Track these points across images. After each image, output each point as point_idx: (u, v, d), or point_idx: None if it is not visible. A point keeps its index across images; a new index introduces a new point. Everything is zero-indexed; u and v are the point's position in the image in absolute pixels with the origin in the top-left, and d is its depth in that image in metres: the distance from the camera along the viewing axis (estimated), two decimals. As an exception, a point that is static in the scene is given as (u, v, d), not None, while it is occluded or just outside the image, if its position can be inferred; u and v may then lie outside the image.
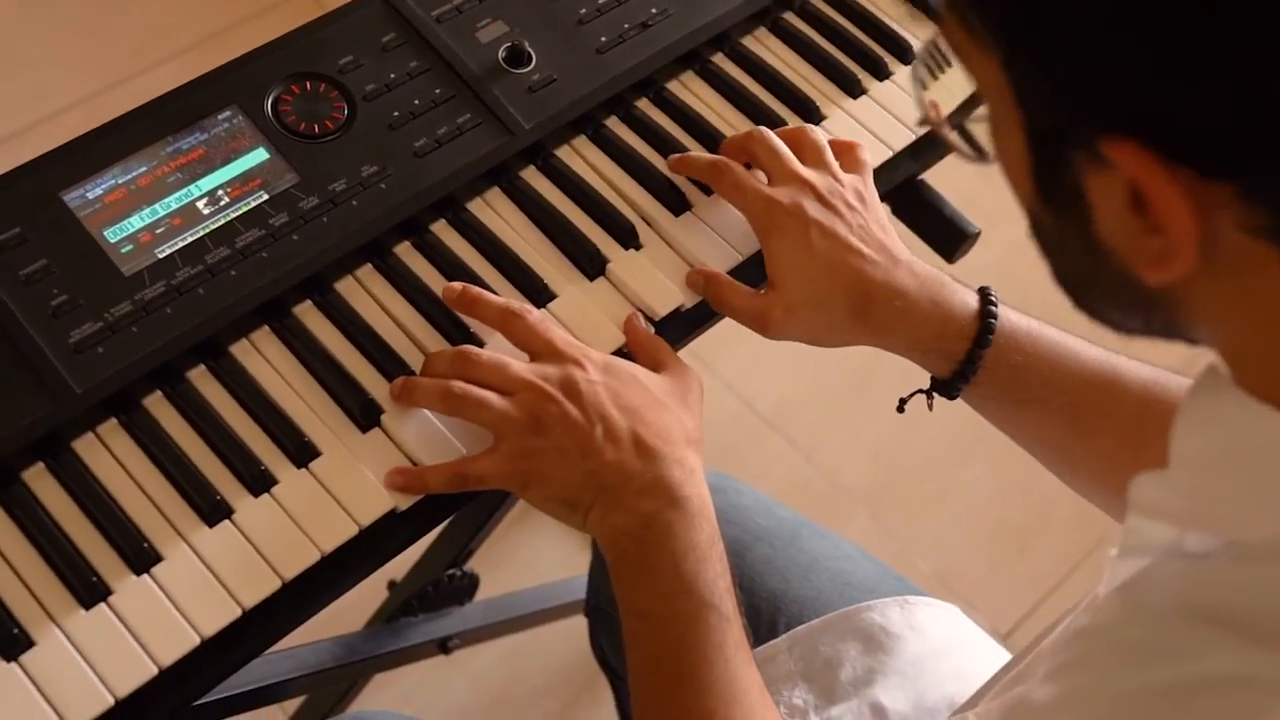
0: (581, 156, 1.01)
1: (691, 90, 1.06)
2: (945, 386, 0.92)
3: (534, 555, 1.79)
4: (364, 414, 0.86)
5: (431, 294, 0.92)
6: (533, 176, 0.99)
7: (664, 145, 1.01)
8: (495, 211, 0.97)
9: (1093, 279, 0.55)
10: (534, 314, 0.88)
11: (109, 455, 0.83)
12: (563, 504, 0.83)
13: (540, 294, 0.93)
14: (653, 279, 0.95)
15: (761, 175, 0.95)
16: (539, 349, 0.86)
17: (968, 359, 0.89)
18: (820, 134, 0.97)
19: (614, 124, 1.03)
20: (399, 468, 0.84)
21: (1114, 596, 0.56)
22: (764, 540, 1.08)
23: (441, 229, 0.96)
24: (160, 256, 0.88)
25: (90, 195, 0.90)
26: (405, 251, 0.94)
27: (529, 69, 1.00)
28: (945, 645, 1.00)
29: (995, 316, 0.89)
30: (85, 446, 0.83)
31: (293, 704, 1.49)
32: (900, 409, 0.97)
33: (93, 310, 0.85)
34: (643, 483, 0.81)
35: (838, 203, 0.91)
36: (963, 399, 0.92)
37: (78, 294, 0.86)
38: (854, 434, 2.00)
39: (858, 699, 0.95)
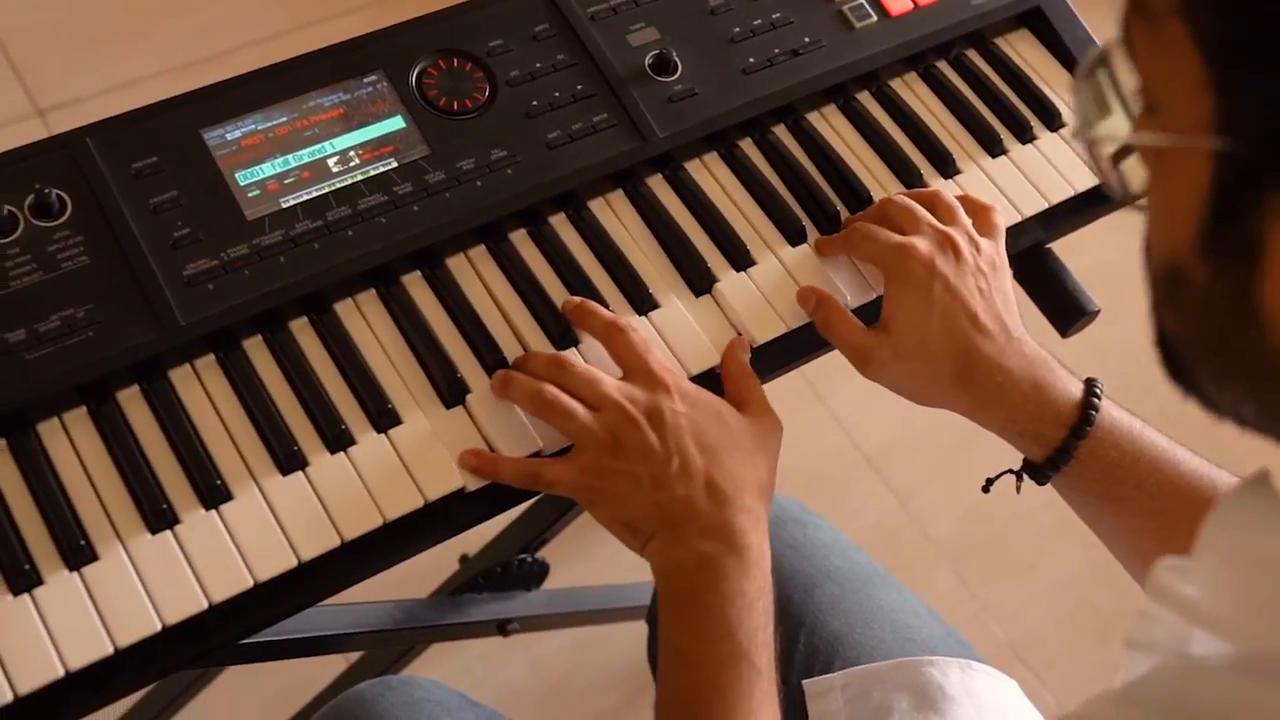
0: (710, 172, 1.01)
1: (831, 124, 1.05)
2: (1036, 471, 0.90)
3: (614, 554, 1.79)
4: (451, 391, 0.87)
5: (538, 284, 0.93)
6: (658, 185, 0.99)
7: (793, 174, 1.01)
8: (615, 213, 0.98)
9: (1218, 349, 0.50)
10: (638, 333, 0.88)
11: (202, 390, 0.86)
12: (625, 527, 0.84)
13: (644, 302, 0.93)
14: (758, 304, 0.94)
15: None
16: (634, 367, 0.86)
17: (1062, 447, 0.87)
18: (951, 196, 0.95)
19: (747, 145, 1.03)
20: (474, 450, 0.85)
21: (1110, 694, 0.54)
22: (834, 580, 1.07)
23: (559, 222, 0.96)
24: (284, 206, 0.91)
25: (229, 137, 0.92)
26: (520, 239, 0.95)
27: (673, 78, 1.00)
28: (999, 718, 0.99)
29: (1096, 409, 0.87)
30: (181, 378, 0.86)
31: (354, 655, 1.52)
32: (986, 489, 0.96)
33: (211, 248, 0.88)
34: (707, 523, 0.81)
35: (969, 263, 0.90)
36: (1052, 486, 0.91)
37: (200, 229, 0.88)
38: (953, 488, 1.97)
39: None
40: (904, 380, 0.91)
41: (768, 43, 1.03)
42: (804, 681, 1.01)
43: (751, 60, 1.03)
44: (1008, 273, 0.93)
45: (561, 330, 0.91)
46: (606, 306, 0.92)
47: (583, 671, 1.74)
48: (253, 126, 0.93)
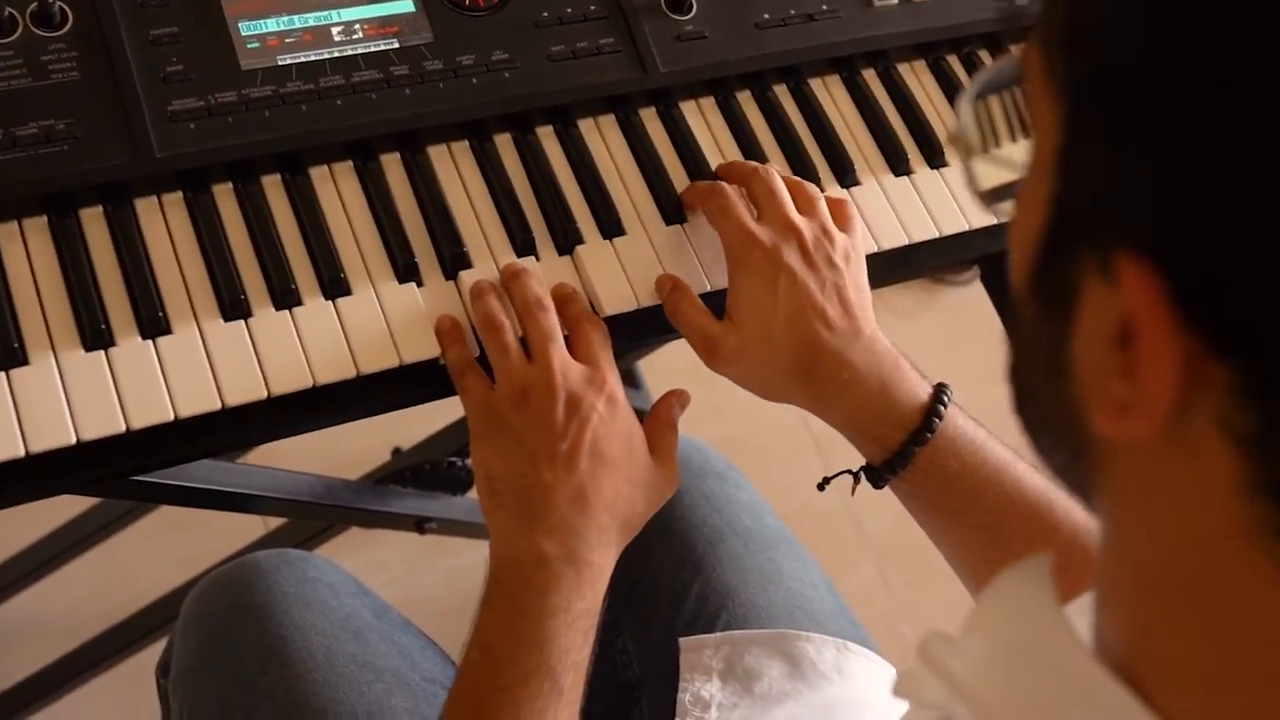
0: (703, 117, 1.02)
1: (831, 94, 1.06)
2: (874, 474, 0.89)
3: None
4: (406, 271, 0.89)
5: (512, 189, 0.94)
6: (650, 118, 1.00)
7: (785, 134, 1.02)
8: (602, 137, 0.99)
9: (1040, 394, 0.47)
10: (603, 332, 0.88)
11: (163, 223, 0.87)
12: (488, 479, 0.84)
13: (613, 226, 0.95)
14: (718, 250, 0.95)
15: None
16: (586, 358, 0.86)
17: (900, 451, 0.86)
18: (815, 188, 0.93)
19: (745, 99, 1.04)
20: (453, 318, 0.87)
21: None
22: (741, 538, 1.09)
23: (546, 134, 0.97)
24: (280, 63, 0.91)
25: (240, -15, 0.93)
26: (504, 143, 0.96)
27: (686, 18, 1.01)
28: (866, 699, 1.01)
29: (940, 416, 0.85)
30: (145, 208, 0.87)
31: (274, 526, 1.54)
32: (821, 487, 0.95)
33: (200, 88, 0.89)
34: (558, 523, 0.81)
35: (818, 257, 0.88)
36: (891, 491, 0.90)
37: (192, 69, 0.89)
38: (896, 487, 1.99)
39: (762, 711, 0.96)
40: (748, 373, 0.89)
41: (785, 2, 1.04)
42: (681, 639, 1.02)
43: (766, 16, 1.03)
44: (863, 268, 0.91)
45: (524, 238, 0.92)
46: (574, 223, 0.93)
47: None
48: (265, -20, 0.94)
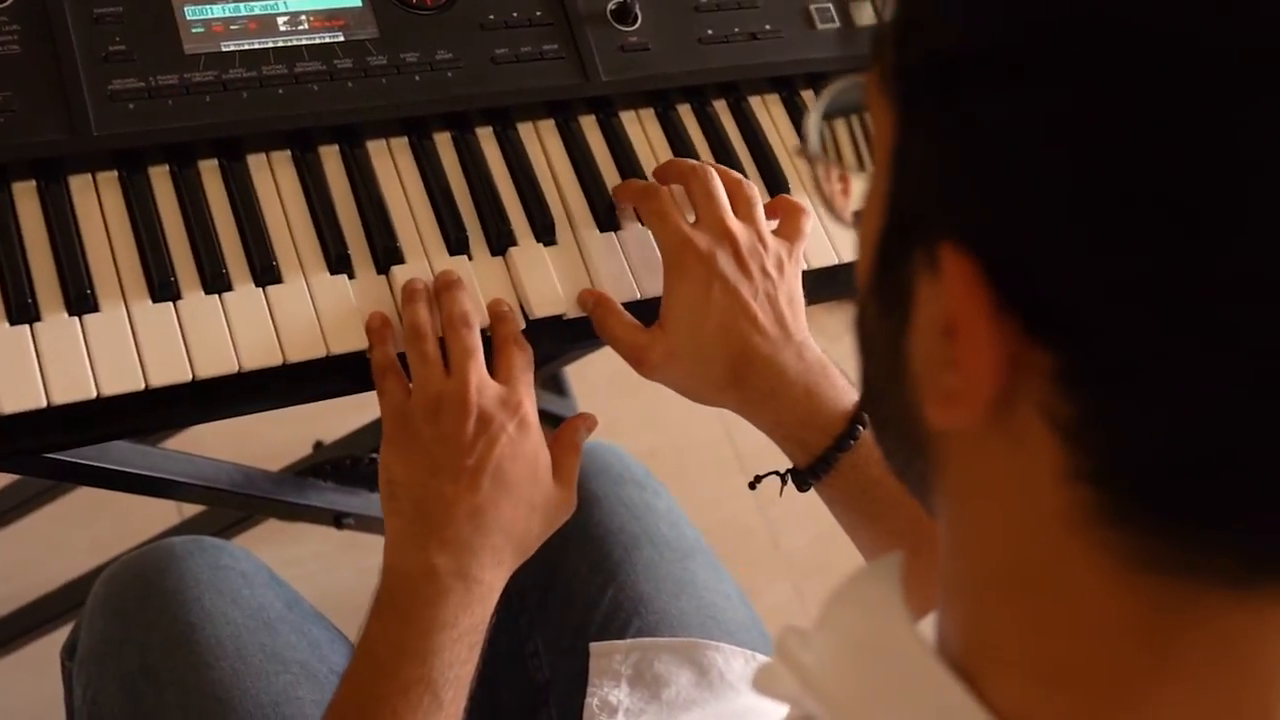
0: (642, 127, 1.03)
1: (770, 112, 1.08)
2: (799, 477, 0.91)
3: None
4: (338, 263, 0.89)
5: (449, 188, 0.95)
6: (589, 126, 1.01)
7: (722, 148, 1.04)
8: (540, 141, 1.00)
9: (883, 395, 0.47)
10: (528, 355, 0.89)
11: (96, 202, 0.87)
12: (390, 483, 0.85)
13: (545, 232, 0.95)
14: (653, 258, 0.96)
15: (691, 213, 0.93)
16: (505, 378, 0.87)
17: (824, 456, 0.88)
18: (755, 190, 0.94)
19: (685, 111, 1.05)
20: (383, 315, 0.88)
21: None
22: (657, 546, 1.10)
23: (485, 135, 0.98)
24: (223, 49, 0.92)
25: (188, -31, 0.93)
26: (443, 141, 0.97)
27: (630, 29, 1.02)
28: (772, 710, 1.02)
29: (864, 424, 0.87)
30: (79, 185, 0.87)
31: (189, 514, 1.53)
32: (752, 486, 0.96)
33: (141, 70, 0.89)
34: (452, 537, 0.82)
35: (753, 264, 0.89)
36: (816, 494, 0.92)
37: (135, 50, 0.89)
38: (817, 506, 2.01)
39: (669, 718, 0.97)
40: (680, 380, 0.91)
41: (730, 19, 1.06)
42: (591, 644, 1.03)
43: (710, 32, 1.05)
44: (798, 276, 0.92)
45: (458, 237, 0.93)
46: (509, 225, 0.94)
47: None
48: (213, -35, 0.94)
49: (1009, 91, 0.37)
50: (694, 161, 0.95)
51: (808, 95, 1.10)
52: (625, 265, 0.96)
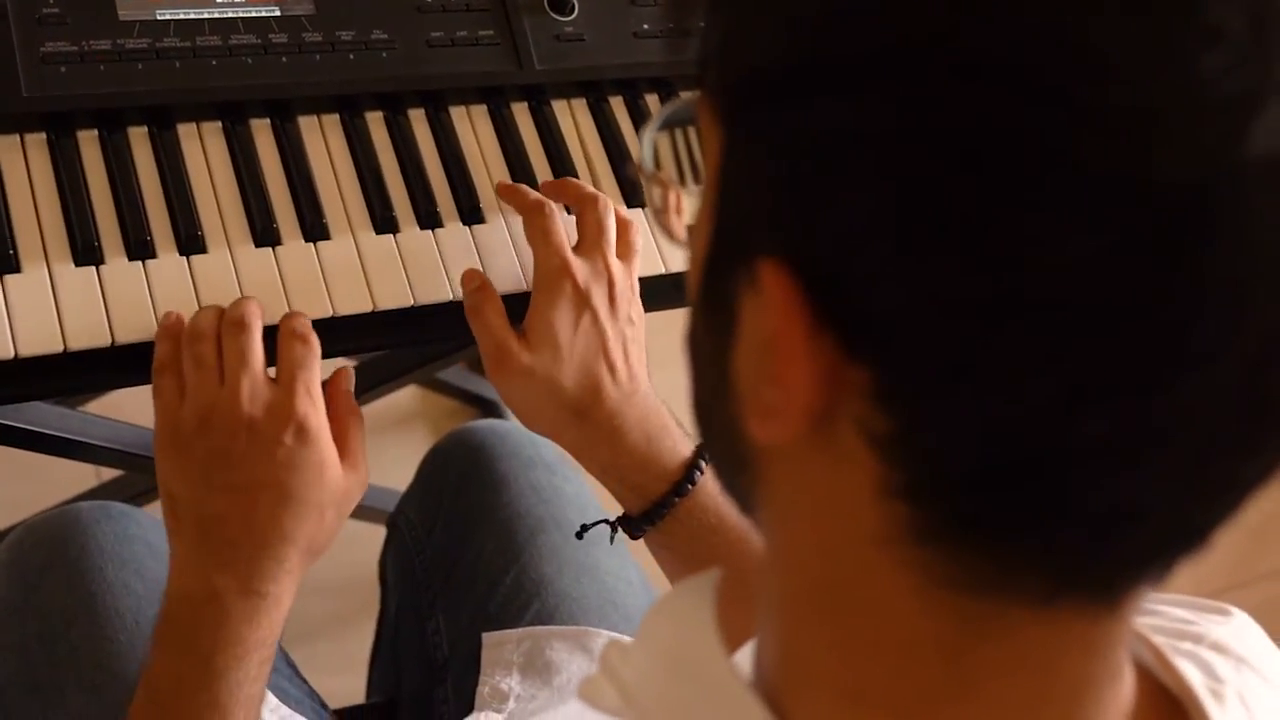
0: (573, 117, 1.05)
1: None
2: (632, 524, 0.91)
3: (390, 463, 1.82)
4: (263, 236, 0.90)
5: (378, 167, 0.96)
6: (521, 112, 1.03)
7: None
8: (472, 126, 1.01)
9: (711, 412, 0.48)
10: (315, 357, 0.84)
11: (23, 162, 0.87)
12: (169, 497, 0.82)
13: (471, 213, 0.97)
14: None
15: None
16: (285, 382, 0.82)
17: (661, 501, 0.88)
18: (638, 238, 0.94)
19: (617, 104, 1.06)
20: (174, 313, 0.85)
21: None
22: (562, 529, 1.11)
23: (417, 117, 0.99)
24: (158, 18, 0.92)
25: (127, -64, 0.94)
26: (375, 120, 0.98)
27: (567, 19, 1.04)
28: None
29: (701, 470, 0.88)
30: (6, 145, 0.87)
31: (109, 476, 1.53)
32: (579, 535, 0.98)
33: (74, 34, 0.89)
34: (231, 557, 0.80)
35: (622, 308, 0.89)
36: (645, 543, 0.92)
37: (68, 14, 0.89)
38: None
39: (560, 702, 0.99)
40: (527, 398, 0.89)
41: (666, 15, 1.07)
42: (484, 635, 1.04)
43: (646, 27, 1.06)
44: (644, 327, 0.92)
45: (385, 215, 0.94)
46: (436, 206, 0.95)
47: (319, 567, 1.75)
48: (152, -67, 0.94)
49: (816, 108, 0.37)
50: (594, 191, 0.94)
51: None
52: (515, 258, 0.96)
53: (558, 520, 1.12)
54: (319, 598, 1.72)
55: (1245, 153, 0.33)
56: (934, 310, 0.36)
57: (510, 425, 1.24)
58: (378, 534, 1.60)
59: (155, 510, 1.21)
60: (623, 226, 0.93)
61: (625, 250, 0.92)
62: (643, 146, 0.55)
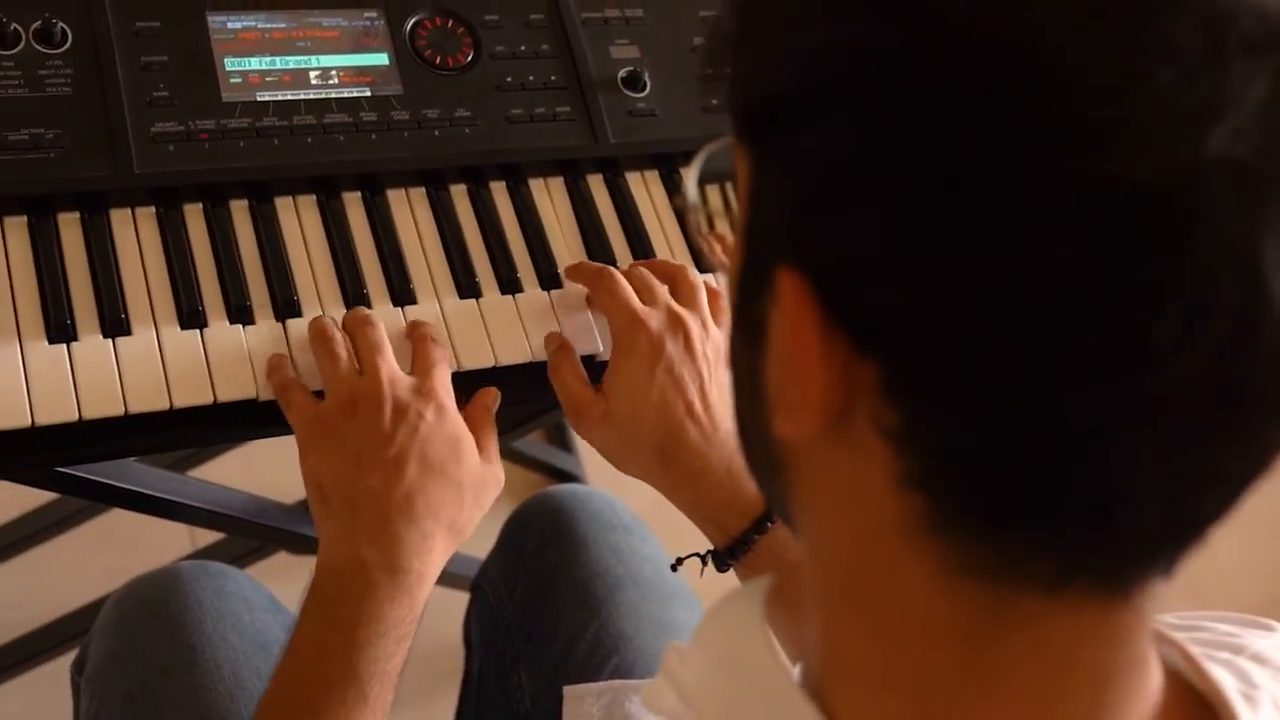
0: (646, 188, 1.10)
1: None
2: (719, 558, 0.93)
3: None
4: (355, 300, 0.95)
5: (462, 237, 1.01)
6: (596, 185, 1.08)
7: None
8: (550, 197, 1.06)
9: (748, 421, 0.51)
10: (441, 350, 0.92)
11: (133, 233, 0.93)
12: (318, 487, 0.87)
13: (550, 279, 1.02)
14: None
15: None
16: (419, 369, 0.90)
17: (742, 538, 0.91)
18: (698, 275, 0.98)
19: (687, 175, 1.11)
20: (279, 354, 0.91)
21: None
22: (640, 587, 1.15)
23: (498, 189, 1.05)
24: (258, 99, 0.99)
25: (230, 25, 1.01)
26: (459, 193, 1.04)
27: (639, 95, 1.09)
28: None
29: None
30: (119, 219, 0.94)
31: (203, 543, 1.58)
32: (674, 568, 1.01)
33: (182, 114, 0.96)
34: (380, 529, 0.84)
35: (697, 350, 0.93)
36: (735, 575, 0.94)
37: (177, 96, 0.96)
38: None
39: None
40: (610, 446, 0.94)
41: (732, 91, 1.12)
42: (565, 688, 1.06)
43: (714, 102, 1.12)
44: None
45: (469, 282, 0.99)
46: (516, 272, 1.00)
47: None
48: (253, 23, 1.01)
49: (819, 129, 0.41)
50: (634, 262, 1.00)
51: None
52: (592, 320, 1.00)
53: (635, 579, 1.16)
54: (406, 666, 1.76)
55: (1207, 156, 0.36)
56: (928, 308, 0.39)
57: (590, 489, 1.28)
58: (460, 601, 1.64)
59: (250, 572, 1.27)
60: (676, 274, 0.97)
61: (690, 295, 0.96)
62: (688, 180, 0.59)
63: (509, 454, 1.95)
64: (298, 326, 0.93)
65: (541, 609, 1.16)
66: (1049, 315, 0.38)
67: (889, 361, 0.41)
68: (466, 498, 0.89)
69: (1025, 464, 0.40)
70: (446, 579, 1.54)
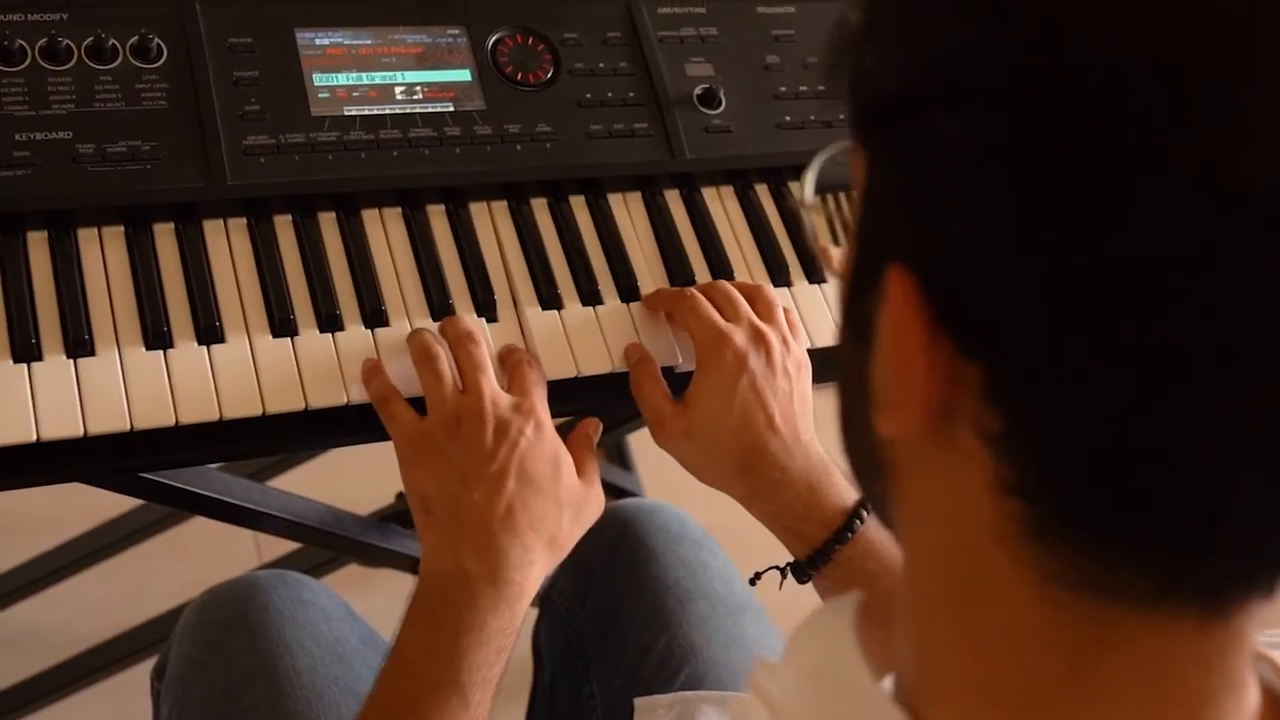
0: (722, 203, 1.11)
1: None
2: (799, 569, 0.94)
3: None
4: (440, 311, 0.97)
5: (543, 250, 1.03)
6: (673, 200, 1.10)
7: (795, 226, 1.11)
8: (628, 212, 1.08)
9: (852, 421, 0.51)
10: (537, 371, 0.94)
11: (226, 245, 0.96)
12: (421, 500, 0.89)
13: (630, 292, 1.03)
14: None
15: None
16: (517, 389, 0.92)
17: (823, 549, 0.91)
18: (774, 293, 1.00)
19: (762, 190, 1.13)
20: (372, 359, 0.93)
21: None
22: (709, 600, 1.15)
23: (578, 204, 1.07)
24: (346, 114, 1.01)
25: (318, 42, 1.03)
26: (540, 206, 1.06)
27: (715, 112, 1.11)
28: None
29: (862, 518, 0.91)
30: (212, 229, 0.96)
31: (269, 557, 1.60)
32: (753, 582, 1.01)
33: (273, 128, 0.98)
34: (484, 541, 0.86)
35: (778, 365, 0.94)
36: (813, 587, 0.95)
37: (268, 110, 0.99)
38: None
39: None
40: (691, 458, 0.96)
41: (806, 108, 1.14)
42: (636, 700, 1.07)
43: (788, 118, 1.13)
44: (809, 376, 0.97)
45: (550, 293, 1.01)
46: (596, 285, 1.02)
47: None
48: (341, 39, 1.04)
49: (935, 125, 0.41)
50: (710, 281, 1.03)
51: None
52: (670, 333, 1.02)
53: (705, 592, 1.17)
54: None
55: None
56: (1039, 310, 0.39)
57: (657, 503, 1.29)
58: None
59: (334, 585, 1.28)
60: (753, 292, 0.99)
61: (767, 311, 0.98)
62: (805, 181, 0.59)
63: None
64: (385, 335, 0.95)
65: (612, 621, 1.17)
66: (1162, 319, 0.38)
67: (994, 364, 0.41)
68: (565, 514, 0.91)
69: (1127, 472, 0.40)
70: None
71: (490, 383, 0.91)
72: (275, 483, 1.56)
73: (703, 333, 0.95)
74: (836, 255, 0.57)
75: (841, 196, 0.59)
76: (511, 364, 0.95)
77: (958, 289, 0.41)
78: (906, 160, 0.44)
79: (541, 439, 0.90)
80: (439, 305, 0.97)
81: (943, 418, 0.43)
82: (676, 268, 1.06)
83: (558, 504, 0.90)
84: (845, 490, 0.93)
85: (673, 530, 1.24)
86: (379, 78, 1.03)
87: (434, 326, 0.96)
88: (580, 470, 0.93)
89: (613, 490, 2.03)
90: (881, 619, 0.53)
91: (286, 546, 1.61)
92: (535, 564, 0.88)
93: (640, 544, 1.22)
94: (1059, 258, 0.39)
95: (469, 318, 0.95)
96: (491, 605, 0.85)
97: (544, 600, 1.30)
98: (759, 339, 0.95)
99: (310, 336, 0.94)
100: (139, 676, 1.54)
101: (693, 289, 0.99)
